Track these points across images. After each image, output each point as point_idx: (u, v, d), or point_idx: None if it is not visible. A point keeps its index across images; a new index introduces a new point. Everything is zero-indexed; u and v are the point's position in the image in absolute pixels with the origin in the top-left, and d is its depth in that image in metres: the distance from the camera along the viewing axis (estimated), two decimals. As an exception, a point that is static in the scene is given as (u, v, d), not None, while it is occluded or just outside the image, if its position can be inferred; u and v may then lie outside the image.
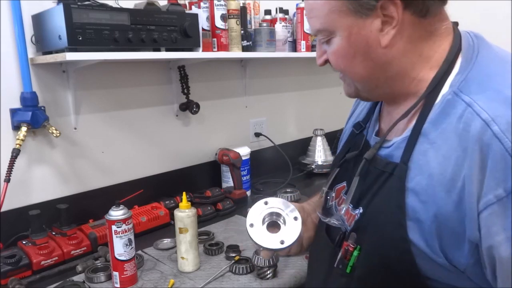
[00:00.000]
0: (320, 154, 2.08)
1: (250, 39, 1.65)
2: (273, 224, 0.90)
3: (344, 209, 0.71)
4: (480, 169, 0.53)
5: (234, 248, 1.23)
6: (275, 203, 0.91)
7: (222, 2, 1.48)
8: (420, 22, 0.63)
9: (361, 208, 0.68)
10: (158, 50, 1.32)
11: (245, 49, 1.62)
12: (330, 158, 2.10)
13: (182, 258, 1.13)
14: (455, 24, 0.69)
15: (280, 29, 1.76)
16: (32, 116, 1.23)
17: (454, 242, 0.57)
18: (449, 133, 0.58)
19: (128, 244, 1.05)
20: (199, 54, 1.41)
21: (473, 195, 0.54)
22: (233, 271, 1.13)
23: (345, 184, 0.78)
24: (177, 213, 1.13)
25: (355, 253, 0.66)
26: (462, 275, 0.58)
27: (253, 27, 1.76)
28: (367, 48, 0.65)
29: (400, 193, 0.61)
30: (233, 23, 1.54)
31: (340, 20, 0.64)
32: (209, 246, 1.25)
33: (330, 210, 0.81)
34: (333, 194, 0.82)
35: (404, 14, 0.61)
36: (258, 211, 0.90)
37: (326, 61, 0.71)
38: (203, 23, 1.43)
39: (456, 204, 0.56)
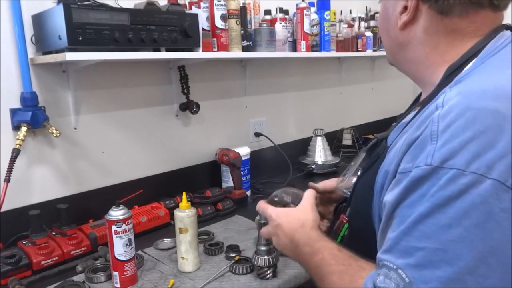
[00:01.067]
0: (320, 154, 2.08)
1: (250, 39, 1.65)
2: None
3: (345, 181, 0.79)
4: (411, 143, 0.57)
5: (234, 248, 1.23)
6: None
7: (222, 2, 1.48)
8: (440, 19, 0.65)
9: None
10: (158, 50, 1.32)
11: (245, 49, 1.62)
12: (330, 158, 2.10)
13: (182, 258, 1.13)
14: (504, 27, 0.67)
15: (280, 29, 1.76)
16: (32, 116, 1.23)
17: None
18: (411, 127, 0.62)
19: (128, 244, 1.05)
20: (199, 54, 1.41)
21: (396, 165, 0.60)
22: (233, 271, 1.13)
23: (360, 161, 0.83)
24: (177, 213, 1.13)
25: (346, 225, 0.74)
26: None
27: (253, 27, 1.76)
28: (389, 25, 0.72)
29: (375, 175, 0.67)
30: (233, 23, 1.54)
31: (381, 2, 0.74)
32: (209, 246, 1.25)
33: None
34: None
35: (422, 6, 0.66)
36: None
37: None
38: (203, 23, 1.43)
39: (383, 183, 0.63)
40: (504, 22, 0.67)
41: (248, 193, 1.76)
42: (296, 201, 0.89)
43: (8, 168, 1.17)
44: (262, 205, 0.89)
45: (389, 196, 0.58)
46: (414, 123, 0.62)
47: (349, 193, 0.78)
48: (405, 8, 0.67)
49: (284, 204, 0.91)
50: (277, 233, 0.83)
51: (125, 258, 1.05)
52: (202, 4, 1.44)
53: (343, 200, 0.86)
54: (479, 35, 0.65)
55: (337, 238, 0.75)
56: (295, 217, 0.80)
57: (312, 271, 0.73)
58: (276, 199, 0.95)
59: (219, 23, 1.48)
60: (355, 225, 0.73)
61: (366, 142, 0.84)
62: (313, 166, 2.04)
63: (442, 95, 0.59)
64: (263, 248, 1.09)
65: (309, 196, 0.86)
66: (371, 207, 0.67)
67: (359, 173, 0.76)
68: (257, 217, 1.15)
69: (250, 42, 1.65)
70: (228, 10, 1.52)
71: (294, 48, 1.88)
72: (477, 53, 0.63)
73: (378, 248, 0.60)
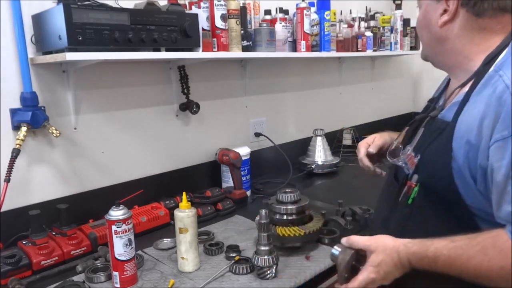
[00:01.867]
0: (320, 154, 2.08)
1: (250, 39, 1.65)
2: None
3: (407, 153, 0.93)
4: (495, 118, 0.74)
5: (234, 248, 1.23)
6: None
7: (222, 2, 1.48)
8: (475, 19, 0.85)
9: (418, 155, 0.89)
10: (158, 50, 1.32)
11: (245, 49, 1.62)
12: (330, 158, 2.10)
13: (182, 258, 1.13)
14: None
15: (280, 29, 1.76)
16: (32, 116, 1.23)
17: (474, 169, 0.79)
18: (483, 98, 0.79)
19: (128, 244, 1.05)
20: (199, 54, 1.41)
21: (488, 136, 0.76)
22: (233, 271, 1.13)
23: (421, 134, 0.96)
24: (177, 213, 1.13)
25: (415, 189, 0.88)
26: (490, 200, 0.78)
27: (253, 27, 1.76)
28: (429, 24, 0.91)
29: (448, 143, 0.82)
30: (233, 23, 1.54)
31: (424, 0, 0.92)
32: (209, 246, 1.25)
33: (397, 154, 1.01)
34: (404, 152, 0.99)
35: (460, 10, 0.85)
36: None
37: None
38: (203, 23, 1.43)
39: (477, 143, 0.78)
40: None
41: (248, 193, 1.76)
42: (348, 256, 0.89)
43: (8, 168, 1.17)
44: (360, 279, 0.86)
45: (498, 160, 0.74)
46: (474, 101, 0.80)
47: (404, 164, 0.94)
48: (445, 10, 0.87)
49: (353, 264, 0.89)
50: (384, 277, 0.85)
51: (125, 258, 1.05)
52: (202, 4, 1.44)
53: (395, 171, 1.02)
54: (505, 31, 0.84)
55: (408, 200, 0.89)
56: (385, 258, 0.84)
57: (447, 271, 0.78)
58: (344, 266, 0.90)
59: (219, 23, 1.48)
60: (430, 186, 0.86)
61: (417, 119, 1.00)
62: (313, 166, 2.04)
63: (496, 77, 0.77)
64: (263, 248, 1.09)
65: (359, 241, 0.89)
66: (449, 169, 0.81)
67: (412, 146, 0.92)
68: (257, 217, 1.15)
69: (250, 42, 1.65)
70: (228, 10, 1.52)
71: (294, 48, 1.88)
72: (507, 45, 0.82)
73: (495, 202, 0.76)
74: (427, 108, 1.06)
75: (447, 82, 1.01)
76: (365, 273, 0.84)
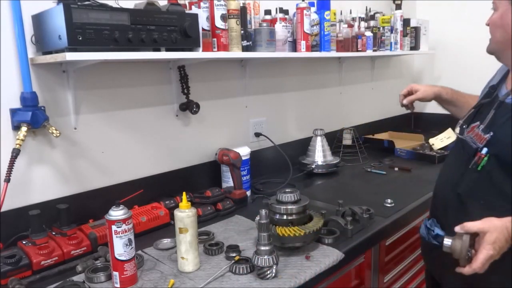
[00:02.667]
0: (320, 154, 2.08)
1: (250, 39, 1.65)
2: None
3: (477, 131, 1.13)
4: None
5: (234, 248, 1.23)
6: None
7: (222, 2, 1.48)
8: None
9: (491, 132, 1.08)
10: (158, 50, 1.32)
11: (245, 49, 1.62)
12: (330, 158, 2.10)
13: (182, 258, 1.13)
14: None
15: (280, 29, 1.76)
16: (32, 116, 1.23)
17: None
18: None
19: (128, 244, 1.05)
20: (199, 54, 1.41)
21: None
22: (233, 271, 1.13)
23: (478, 123, 1.15)
24: (177, 213, 1.13)
25: (485, 159, 1.08)
26: None
27: (253, 27, 1.76)
28: (506, 25, 1.07)
29: None
30: (233, 23, 1.54)
31: (502, 3, 1.08)
32: (209, 246, 1.25)
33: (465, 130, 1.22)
34: (468, 129, 1.19)
35: None
36: None
37: (488, 25, 1.14)
38: (203, 23, 1.43)
39: None
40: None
41: (248, 193, 1.76)
42: (467, 240, 1.00)
43: (8, 168, 1.17)
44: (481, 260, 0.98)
45: None
46: None
47: (470, 140, 1.15)
48: None
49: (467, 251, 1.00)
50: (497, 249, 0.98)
51: (125, 258, 1.05)
52: (202, 4, 1.44)
53: (461, 144, 1.21)
54: None
55: (478, 167, 1.09)
56: (499, 235, 0.97)
57: None
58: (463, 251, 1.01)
59: (219, 23, 1.48)
60: (501, 157, 1.05)
61: (482, 103, 1.20)
62: (313, 166, 2.04)
63: None
64: (263, 248, 1.09)
65: (474, 226, 1.00)
66: None
67: (484, 125, 1.12)
68: (257, 217, 1.15)
69: (250, 42, 1.65)
70: (228, 10, 1.52)
71: (294, 48, 1.88)
72: None
73: None
74: (489, 94, 1.20)
75: (506, 73, 1.19)
76: (485, 251, 0.96)
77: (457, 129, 1.24)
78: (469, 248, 0.99)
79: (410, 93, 1.53)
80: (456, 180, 1.16)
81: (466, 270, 0.99)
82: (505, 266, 1.04)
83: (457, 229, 1.01)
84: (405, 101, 1.52)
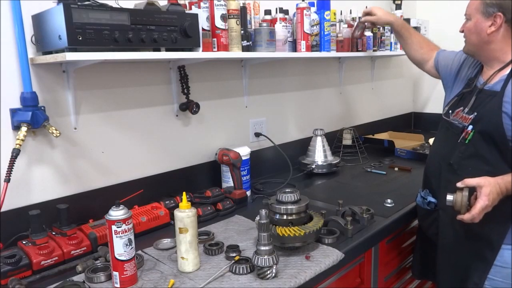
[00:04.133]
0: (320, 154, 2.08)
1: (250, 39, 1.65)
2: None
3: (462, 114, 1.37)
4: None
5: (234, 248, 1.23)
6: None
7: (222, 2, 1.48)
8: None
9: (475, 113, 1.32)
10: (158, 50, 1.32)
11: (245, 49, 1.62)
12: (330, 158, 2.10)
13: (182, 258, 1.13)
14: None
15: (280, 29, 1.76)
16: (32, 116, 1.23)
17: None
18: None
19: (128, 244, 1.05)
20: (199, 54, 1.41)
21: None
22: (233, 271, 1.13)
23: (462, 108, 1.39)
24: (177, 213, 1.13)
25: (471, 134, 1.31)
26: None
27: (253, 27, 1.76)
28: (480, 31, 1.32)
29: (499, 104, 1.26)
30: (233, 23, 1.54)
31: (476, 15, 1.33)
32: (209, 246, 1.25)
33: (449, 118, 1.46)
34: (453, 114, 1.43)
35: (504, 24, 1.29)
36: None
37: (462, 31, 1.40)
38: (203, 23, 1.43)
39: None
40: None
41: (248, 193, 1.76)
42: (467, 193, 1.22)
43: (8, 168, 1.17)
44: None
45: None
46: None
47: (457, 121, 1.39)
48: (492, 24, 1.29)
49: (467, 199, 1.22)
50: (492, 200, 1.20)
51: (125, 258, 1.05)
52: (202, 4, 1.44)
53: (447, 125, 1.46)
54: None
55: (466, 141, 1.32)
56: (492, 189, 1.19)
57: None
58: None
59: (219, 23, 1.48)
60: (485, 131, 1.28)
61: (464, 92, 1.45)
62: (313, 166, 2.04)
63: None
64: (263, 248, 1.09)
65: (472, 181, 1.22)
66: (500, 120, 1.24)
67: (468, 108, 1.37)
68: (257, 217, 1.15)
69: (250, 42, 1.65)
70: (228, 10, 1.52)
71: (294, 48, 1.88)
72: None
73: None
74: (468, 85, 1.43)
75: (480, 67, 1.42)
76: (481, 201, 1.18)
77: (444, 113, 1.49)
78: (467, 201, 1.20)
79: (369, 13, 1.83)
80: (447, 153, 1.40)
81: (466, 217, 1.20)
82: (489, 218, 1.22)
83: (459, 184, 1.23)
84: (363, 19, 1.85)
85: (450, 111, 1.46)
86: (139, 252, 1.25)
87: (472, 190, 1.22)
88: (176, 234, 1.13)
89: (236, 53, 1.57)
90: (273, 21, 1.79)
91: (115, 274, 1.06)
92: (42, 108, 1.28)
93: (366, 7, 1.88)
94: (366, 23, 1.88)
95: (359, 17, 1.92)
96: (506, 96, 1.25)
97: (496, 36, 1.31)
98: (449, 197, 1.23)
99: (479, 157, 1.31)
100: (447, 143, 1.42)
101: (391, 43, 2.49)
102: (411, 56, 1.79)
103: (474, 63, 1.47)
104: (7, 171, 1.17)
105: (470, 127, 1.32)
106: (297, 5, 1.84)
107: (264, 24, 1.68)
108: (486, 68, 1.40)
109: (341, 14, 2.28)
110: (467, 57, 1.51)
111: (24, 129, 1.22)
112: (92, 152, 1.45)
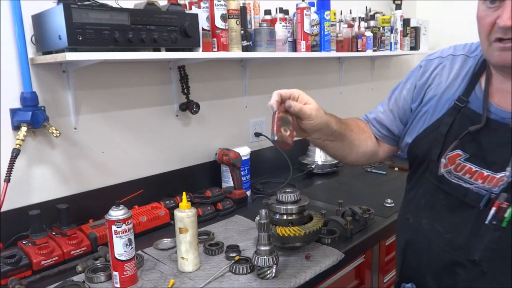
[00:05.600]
0: (320, 154, 2.08)
1: (250, 39, 1.65)
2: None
3: (480, 171, 0.84)
4: None
5: (234, 248, 1.23)
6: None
7: (222, 2, 1.48)
8: None
9: (508, 170, 0.79)
10: (158, 50, 1.32)
11: (245, 49, 1.62)
12: (330, 158, 2.10)
13: (182, 258, 1.13)
14: None
15: (280, 29, 1.76)
16: (32, 116, 1.23)
17: None
18: None
19: (128, 244, 1.05)
20: (199, 54, 1.41)
21: None
22: (233, 271, 1.13)
23: (459, 152, 0.87)
24: (177, 213, 1.13)
25: (510, 210, 0.78)
26: None
27: (253, 27, 1.76)
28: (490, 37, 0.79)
29: None
30: (233, 23, 1.54)
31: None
32: (209, 246, 1.25)
33: (443, 178, 0.90)
34: (445, 162, 0.90)
35: None
36: None
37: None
38: (203, 23, 1.43)
39: None
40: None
41: (248, 193, 1.76)
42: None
43: (8, 168, 1.17)
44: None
45: None
46: None
47: (481, 187, 0.84)
48: None
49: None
50: None
51: (125, 258, 1.05)
52: (202, 4, 1.44)
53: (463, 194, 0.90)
54: None
55: (502, 223, 0.80)
56: None
57: None
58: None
59: (219, 23, 1.48)
60: None
61: (471, 131, 0.88)
62: (313, 166, 2.04)
63: None
64: (263, 248, 1.09)
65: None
66: None
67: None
68: (257, 217, 1.15)
69: (250, 42, 1.65)
70: (228, 10, 1.52)
71: (294, 48, 1.88)
72: None
73: None
74: (457, 109, 0.91)
75: (473, 80, 0.91)
76: None
77: (433, 171, 0.91)
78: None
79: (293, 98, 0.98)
80: (462, 244, 0.88)
81: None
82: None
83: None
84: (289, 105, 0.94)
85: (446, 164, 0.89)
86: (139, 252, 1.25)
87: None
88: (176, 234, 1.13)
89: (236, 53, 1.57)
90: (273, 21, 1.79)
91: (115, 274, 1.06)
92: (42, 108, 1.28)
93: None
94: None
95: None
96: None
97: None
98: None
99: None
100: (466, 223, 0.88)
101: (391, 43, 2.49)
102: (360, 154, 1.12)
103: (455, 71, 0.95)
104: (7, 171, 1.17)
105: (504, 195, 0.80)
106: (297, 5, 1.84)
107: (264, 24, 1.68)
108: (499, 83, 0.86)
109: (341, 14, 2.29)
110: (434, 67, 0.99)
111: (24, 129, 1.22)
112: (92, 152, 1.45)
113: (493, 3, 0.80)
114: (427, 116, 0.98)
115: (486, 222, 0.82)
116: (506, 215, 0.79)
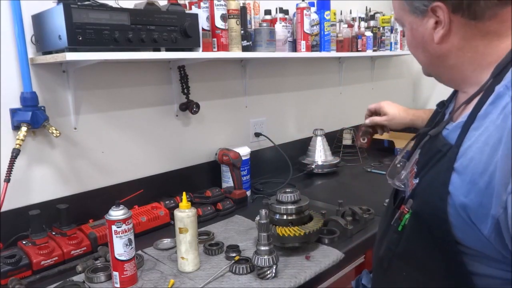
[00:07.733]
0: (320, 154, 2.08)
1: (250, 39, 1.65)
2: None
3: (404, 175, 0.83)
4: (509, 158, 0.58)
5: (234, 248, 1.23)
6: None
7: (222, 2, 1.48)
8: (474, 24, 0.69)
9: (417, 178, 0.78)
10: (158, 50, 1.32)
11: (245, 49, 1.62)
12: (330, 158, 2.10)
13: (182, 258, 1.13)
14: None
15: (280, 29, 1.76)
16: (32, 116, 1.23)
17: (481, 216, 0.64)
18: (491, 123, 0.64)
19: (128, 244, 1.05)
20: (199, 54, 1.41)
21: (502, 179, 0.59)
22: (233, 271, 1.13)
23: (418, 157, 0.84)
24: (177, 213, 1.13)
25: (407, 215, 0.78)
26: (488, 243, 0.65)
27: (253, 27, 1.76)
28: (424, 42, 0.75)
29: (448, 172, 0.68)
30: (233, 23, 1.54)
31: (405, 17, 0.77)
32: (209, 246, 1.25)
33: (396, 174, 0.89)
34: (403, 168, 0.89)
35: (454, 17, 0.69)
36: None
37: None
38: (203, 23, 1.43)
39: (486, 185, 0.62)
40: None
41: (248, 193, 1.76)
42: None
43: (8, 168, 1.17)
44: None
45: None
46: (480, 125, 0.66)
47: (403, 187, 0.84)
48: (437, 23, 0.71)
49: None
50: None
51: (125, 258, 1.05)
52: (202, 4, 1.44)
53: (395, 192, 0.93)
54: None
55: (398, 227, 0.80)
56: None
57: None
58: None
59: (219, 23, 1.48)
60: (421, 215, 0.75)
61: (415, 137, 0.91)
62: (313, 166, 2.04)
63: (507, 97, 0.62)
64: (263, 248, 1.09)
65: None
66: (445, 201, 0.68)
67: (414, 168, 0.81)
68: (257, 217, 1.15)
69: (250, 42, 1.65)
70: (228, 10, 1.52)
71: (294, 48, 1.88)
72: None
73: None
74: (435, 116, 0.90)
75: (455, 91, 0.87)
76: None
77: (388, 174, 0.88)
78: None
79: (376, 112, 1.29)
80: (380, 238, 0.91)
81: None
82: None
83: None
84: (367, 121, 1.31)
85: (399, 164, 0.87)
86: (139, 252, 1.25)
87: None
88: (176, 234, 1.13)
89: (236, 53, 1.57)
90: (273, 21, 1.79)
91: (115, 274, 1.06)
92: (42, 108, 1.28)
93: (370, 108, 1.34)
94: (371, 128, 1.34)
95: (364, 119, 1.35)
96: (461, 163, 0.66)
97: (452, 40, 0.71)
98: None
99: (412, 258, 0.78)
100: (386, 220, 0.90)
101: (391, 43, 2.49)
102: None
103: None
104: (7, 171, 1.17)
105: (410, 202, 0.78)
106: (297, 5, 1.84)
107: (264, 24, 1.68)
108: (461, 94, 0.81)
109: (341, 14, 2.29)
110: None
111: (24, 129, 1.22)
112: (92, 152, 1.45)
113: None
114: None
115: (392, 222, 0.83)
116: (402, 220, 0.79)
